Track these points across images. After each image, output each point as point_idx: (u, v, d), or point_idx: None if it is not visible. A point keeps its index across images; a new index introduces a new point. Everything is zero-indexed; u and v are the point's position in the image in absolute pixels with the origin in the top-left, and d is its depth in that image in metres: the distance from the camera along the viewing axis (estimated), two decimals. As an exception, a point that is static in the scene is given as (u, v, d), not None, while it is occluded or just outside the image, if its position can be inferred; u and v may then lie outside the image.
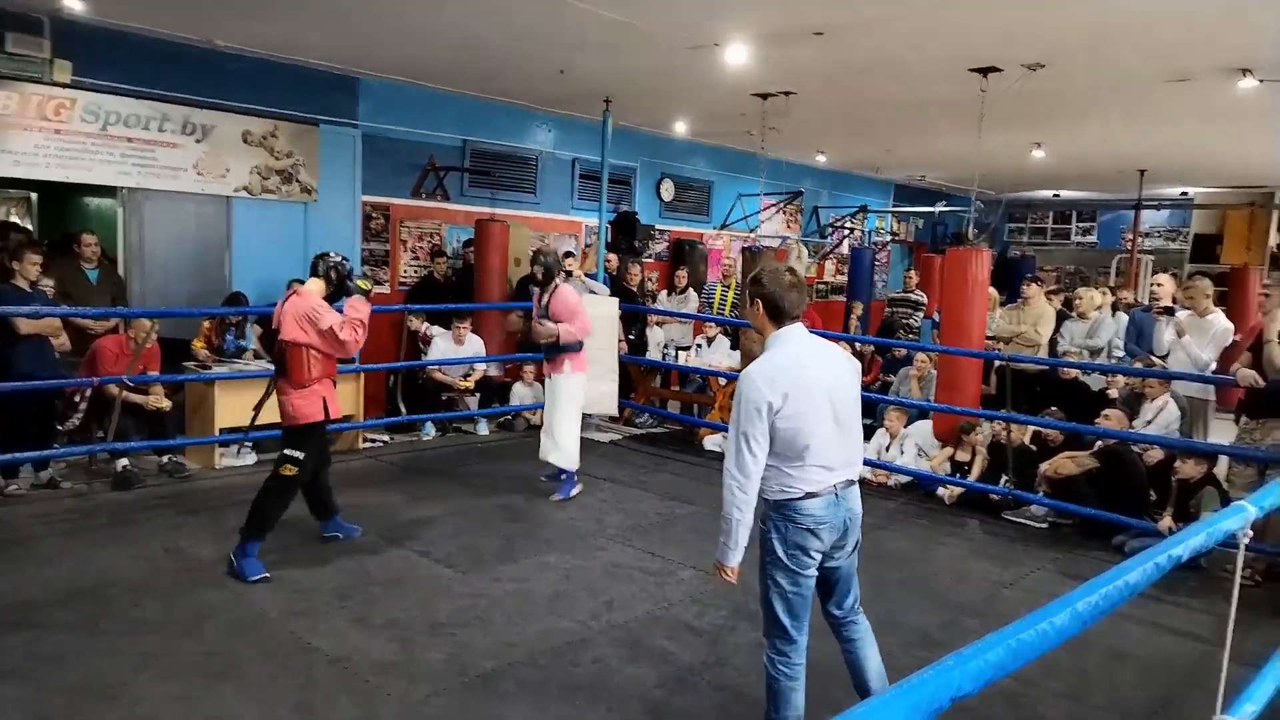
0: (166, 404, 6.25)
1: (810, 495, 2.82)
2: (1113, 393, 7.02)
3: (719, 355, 8.76)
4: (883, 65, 6.85)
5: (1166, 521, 5.43)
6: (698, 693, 3.58)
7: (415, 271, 9.14)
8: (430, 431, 7.97)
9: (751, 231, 11.25)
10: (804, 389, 2.79)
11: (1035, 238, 17.17)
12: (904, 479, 6.89)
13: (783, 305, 2.91)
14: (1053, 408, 6.67)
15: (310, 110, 8.11)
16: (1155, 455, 6.00)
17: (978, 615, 4.45)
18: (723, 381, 8.25)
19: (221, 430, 6.49)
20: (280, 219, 8.06)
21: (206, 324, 7.06)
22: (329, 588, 4.42)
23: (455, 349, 8.06)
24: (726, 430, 8.14)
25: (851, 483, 2.94)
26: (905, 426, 7.24)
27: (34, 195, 9.68)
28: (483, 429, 8.22)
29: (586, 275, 8.39)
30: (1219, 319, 6.48)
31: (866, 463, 6.59)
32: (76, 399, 5.98)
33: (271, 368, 6.63)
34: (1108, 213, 16.33)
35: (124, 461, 5.99)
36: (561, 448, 6.16)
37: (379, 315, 4.88)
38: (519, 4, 5.72)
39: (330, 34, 6.84)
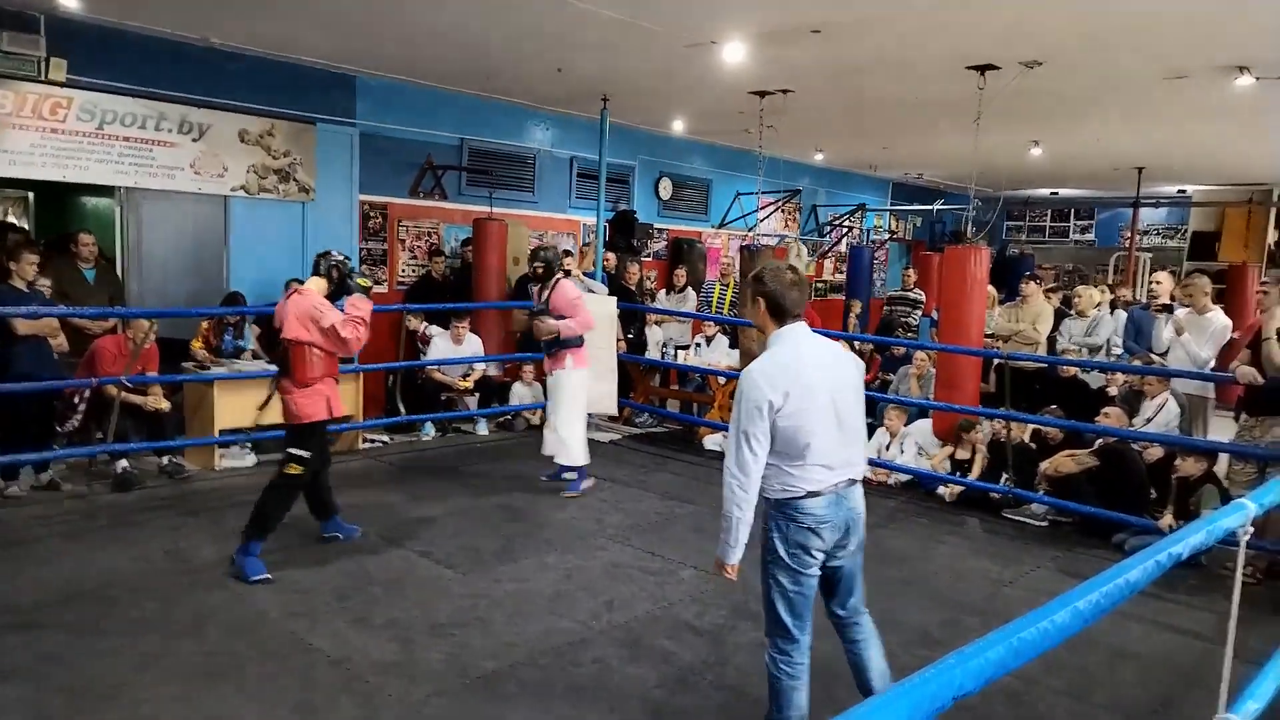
0: (166, 405, 6.24)
1: (812, 494, 2.82)
2: (1112, 390, 7.02)
3: (718, 354, 8.76)
4: (880, 63, 6.85)
5: (1167, 519, 5.43)
6: (699, 692, 3.58)
7: (413, 271, 9.13)
8: (430, 431, 7.96)
9: (750, 230, 11.25)
10: (805, 387, 2.78)
11: (1033, 236, 17.18)
12: (904, 478, 6.89)
13: (784, 303, 2.90)
14: (1052, 406, 6.67)
15: (307, 109, 8.09)
16: (1155, 453, 6.00)
17: (978, 614, 4.45)
18: (722, 380, 8.25)
19: (221, 431, 6.48)
20: (278, 218, 8.05)
21: (205, 324, 7.04)
22: (329, 588, 4.42)
23: (454, 349, 8.06)
24: (727, 429, 8.15)
25: (854, 482, 2.93)
26: (905, 425, 7.24)
27: (31, 195, 9.66)
28: (482, 429, 8.22)
29: (585, 274, 8.39)
30: (1218, 316, 6.48)
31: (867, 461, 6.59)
32: (75, 400, 5.97)
33: (271, 368, 6.67)
34: (1106, 211, 16.35)
35: (124, 463, 5.98)
36: (567, 444, 6.18)
37: (377, 315, 4.90)
38: (517, 2, 5.71)
39: (327, 32, 6.82)
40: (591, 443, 6.62)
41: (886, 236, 15.73)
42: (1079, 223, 16.81)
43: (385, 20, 6.32)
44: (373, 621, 4.05)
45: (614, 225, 10.24)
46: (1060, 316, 8.30)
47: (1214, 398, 6.61)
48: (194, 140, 7.40)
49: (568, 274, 7.10)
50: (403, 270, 9.08)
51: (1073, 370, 7.33)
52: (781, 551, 2.85)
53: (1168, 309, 7.17)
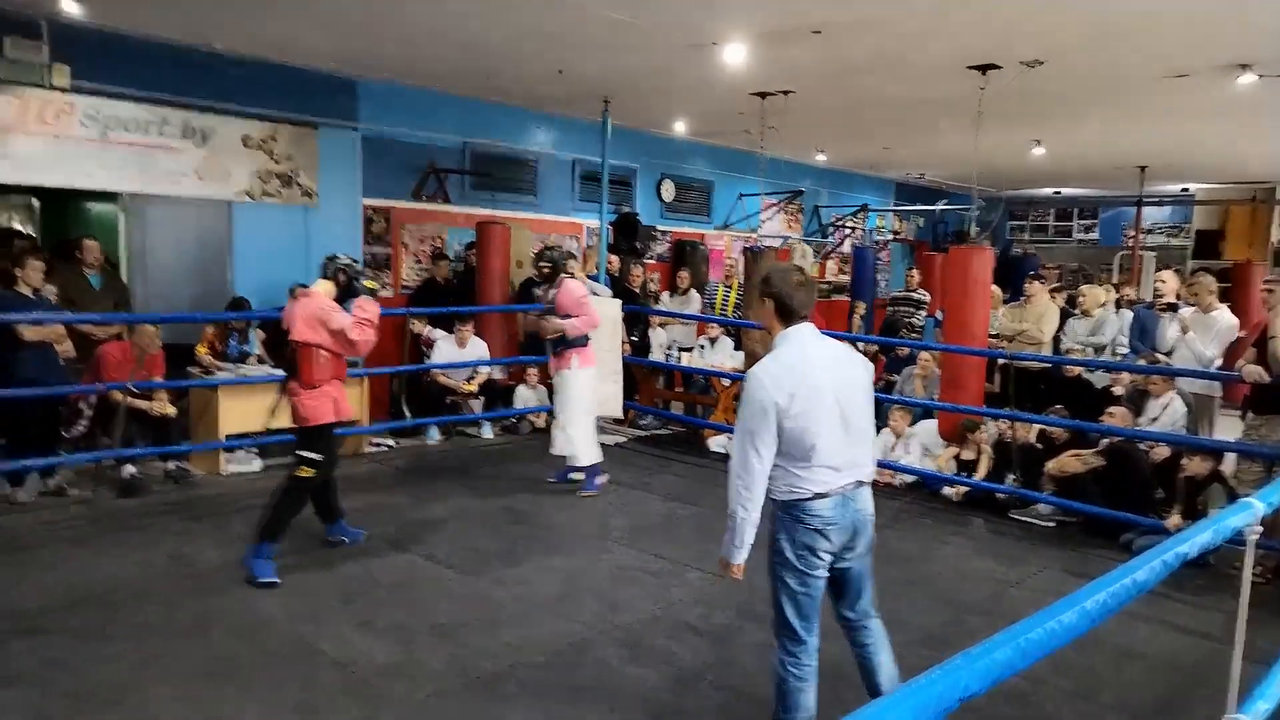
0: (171, 410, 6.25)
1: (819, 496, 2.81)
2: (1117, 390, 7.00)
3: (722, 356, 8.75)
4: (881, 63, 6.85)
5: (1174, 519, 5.41)
6: (702, 694, 3.57)
7: (417, 275, 9.14)
8: (435, 435, 7.96)
9: (753, 231, 11.25)
10: (811, 389, 2.77)
11: (1037, 235, 17.15)
12: (909, 478, 6.88)
13: (791, 304, 2.90)
14: (1057, 406, 6.65)
15: (309, 113, 8.11)
16: (1161, 452, 5.98)
17: (984, 614, 4.44)
18: (726, 382, 8.24)
19: (226, 436, 6.49)
20: (281, 223, 8.06)
21: (209, 329, 7.06)
22: (333, 591, 4.42)
23: (458, 352, 8.06)
24: (731, 431, 8.12)
25: (862, 484, 2.92)
26: (910, 426, 7.23)
27: (36, 201, 9.68)
28: (487, 432, 8.22)
29: (589, 277, 8.38)
30: (1223, 315, 6.46)
31: (871, 462, 6.57)
32: (81, 406, 5.98)
33: (276, 372, 6.69)
34: (1109, 210, 16.31)
35: (130, 468, 5.99)
36: (577, 443, 6.23)
37: (382, 319, 4.92)
38: (517, 4, 5.72)
39: (329, 36, 6.84)
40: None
41: (890, 237, 15.71)
42: (1082, 222, 16.77)
43: (386, 23, 6.33)
44: (377, 624, 4.05)
45: (617, 228, 10.24)
46: (1065, 316, 8.27)
47: (1220, 396, 6.59)
48: (197, 145, 7.42)
49: (570, 277, 7.11)
50: (406, 274, 9.10)
51: (1078, 370, 7.30)
52: (788, 553, 2.84)
53: (1173, 308, 7.15)
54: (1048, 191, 16.04)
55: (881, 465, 6.85)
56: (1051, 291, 8.86)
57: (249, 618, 4.07)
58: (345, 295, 4.76)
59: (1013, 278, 11.00)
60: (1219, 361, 6.33)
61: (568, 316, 6.13)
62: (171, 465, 6.30)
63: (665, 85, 8.08)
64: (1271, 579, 5.08)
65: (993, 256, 7.28)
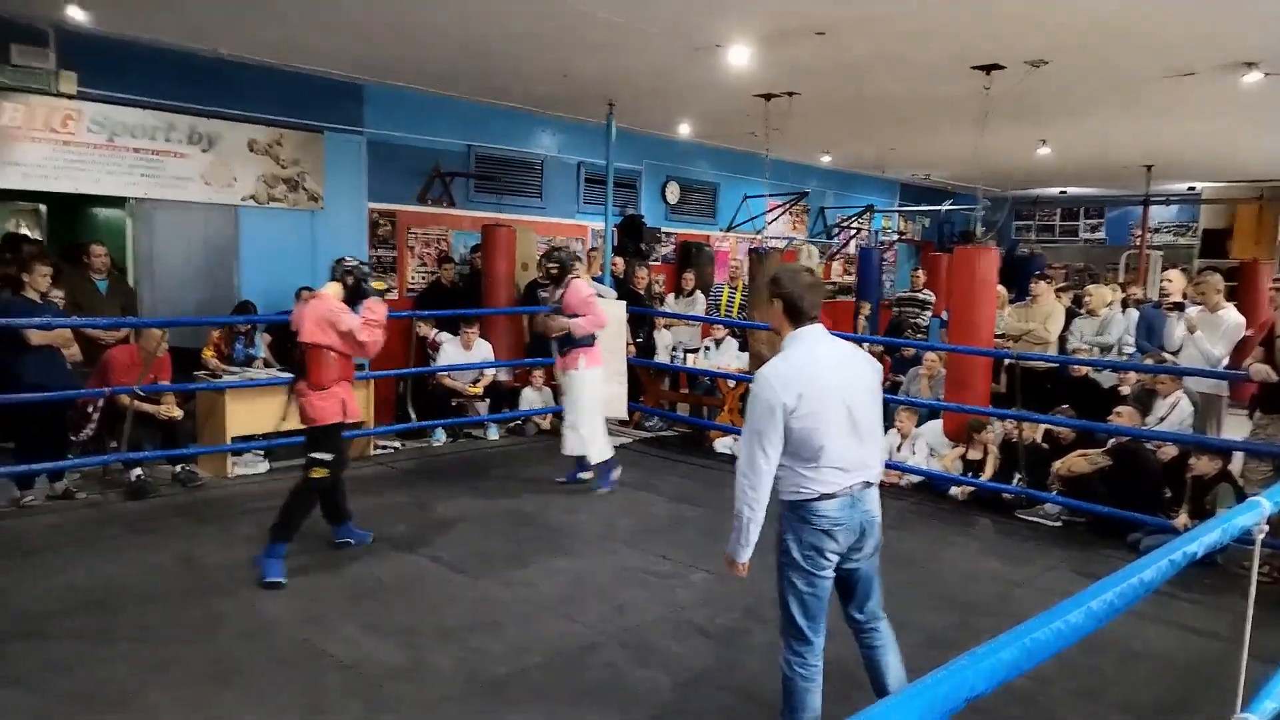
0: (178, 413, 6.28)
1: (826, 496, 2.81)
2: (1124, 390, 6.98)
3: (727, 357, 8.75)
4: (885, 64, 6.84)
5: (1181, 518, 5.39)
6: (708, 696, 3.56)
7: (423, 278, 9.16)
8: (441, 437, 7.97)
9: (758, 233, 11.24)
10: (820, 390, 2.77)
11: (1043, 235, 17.10)
12: (915, 479, 6.87)
13: (801, 305, 2.90)
14: (1064, 405, 6.63)
15: (315, 118, 8.14)
16: (1169, 452, 5.96)
17: (991, 615, 4.42)
18: (731, 384, 8.24)
19: (233, 438, 6.51)
20: (287, 227, 8.09)
21: (216, 333, 7.09)
22: (340, 593, 4.43)
23: (464, 354, 8.08)
24: (736, 433, 8.13)
25: (869, 485, 2.91)
26: (916, 426, 7.22)
27: (43, 207, 9.74)
28: (493, 434, 8.23)
29: (593, 279, 8.40)
30: (1230, 314, 6.42)
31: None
32: (89, 409, 6.00)
33: (283, 375, 6.71)
34: (1115, 209, 16.25)
35: (137, 471, 6.01)
36: (589, 441, 6.29)
37: (388, 322, 4.94)
38: (521, 8, 5.74)
39: (334, 41, 6.86)
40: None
41: (895, 238, 15.69)
42: (1088, 221, 16.72)
43: (391, 28, 6.35)
44: (383, 626, 4.06)
45: (622, 230, 10.25)
46: (1071, 315, 8.25)
47: (1228, 396, 6.56)
48: (203, 151, 7.46)
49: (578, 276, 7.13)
50: (412, 277, 9.12)
51: (1084, 369, 7.29)
52: (795, 553, 2.84)
53: (1179, 307, 7.12)
54: (1054, 191, 15.99)
55: (887, 466, 6.84)
56: (1058, 291, 8.83)
57: (255, 620, 4.09)
58: (354, 297, 4.80)
59: (1018, 278, 10.98)
60: (1226, 360, 6.30)
61: (574, 316, 6.16)
62: (178, 468, 6.32)
63: (670, 87, 8.08)
64: (1278, 578, 5.05)
65: (998, 256, 7.26)
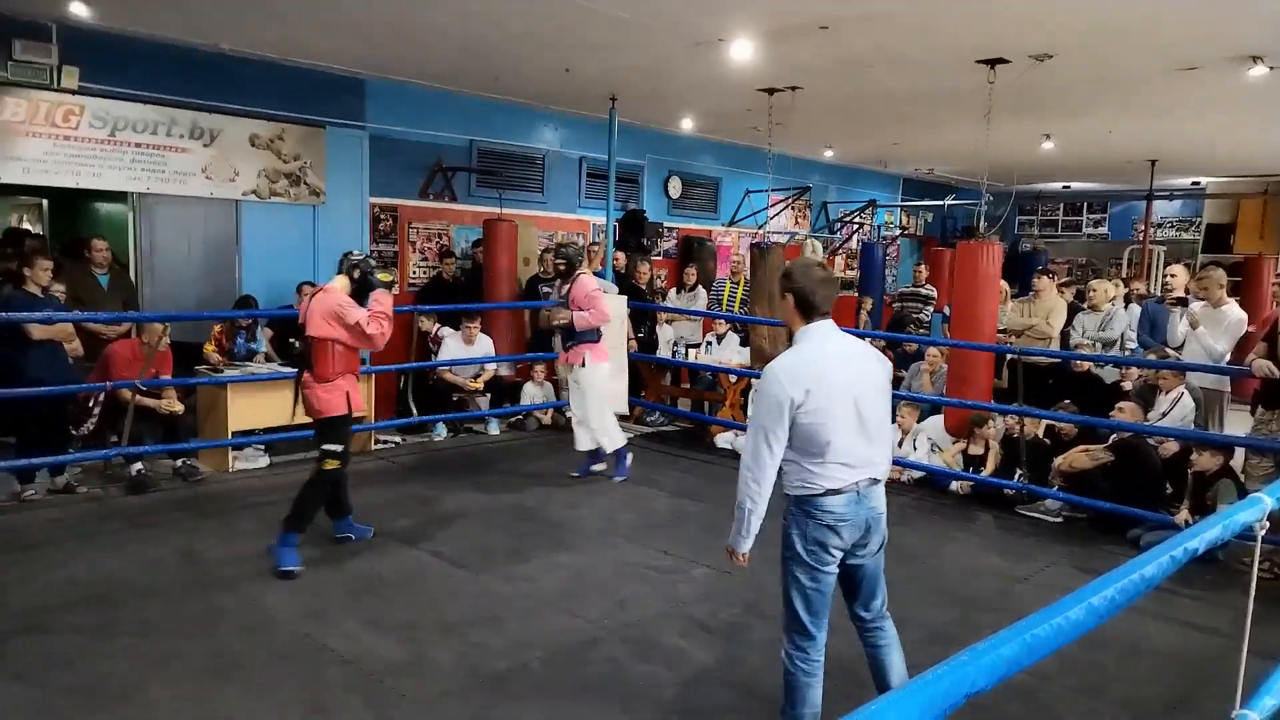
0: (179, 408, 6.29)
1: (831, 492, 2.80)
2: (1127, 385, 6.97)
3: (729, 352, 8.74)
4: (888, 58, 6.82)
5: (1183, 514, 5.39)
6: (710, 691, 3.57)
7: (424, 272, 9.16)
8: (442, 432, 7.98)
9: (760, 228, 11.23)
10: (828, 385, 2.77)
11: (1046, 230, 17.07)
12: (917, 474, 6.87)
13: (813, 300, 2.89)
14: (1066, 401, 6.62)
15: (317, 112, 8.13)
16: (1171, 448, 5.95)
17: (991, 610, 4.42)
18: (733, 378, 8.24)
19: (234, 433, 6.52)
20: (289, 222, 8.09)
21: (217, 327, 7.09)
22: (341, 588, 4.44)
23: (465, 349, 8.08)
24: (738, 428, 8.13)
25: (876, 481, 2.91)
26: (918, 422, 7.21)
27: (45, 201, 9.74)
28: (494, 429, 8.24)
29: (595, 274, 8.39)
30: (1233, 309, 6.42)
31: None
32: (90, 404, 6.01)
33: (284, 369, 6.72)
34: (1119, 204, 16.22)
35: (138, 465, 6.03)
36: (601, 432, 6.42)
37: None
38: (524, 3, 5.72)
39: (336, 36, 6.85)
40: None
41: (898, 232, 15.67)
42: (1092, 216, 16.68)
43: (391, 23, 6.34)
44: (384, 621, 4.06)
45: (624, 224, 10.23)
46: (1074, 311, 8.24)
47: (1230, 391, 6.55)
48: (205, 145, 7.45)
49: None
50: (414, 272, 9.12)
51: (1086, 365, 7.27)
52: (799, 548, 2.84)
53: (1182, 302, 7.11)
54: (1057, 186, 15.95)
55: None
56: (1061, 286, 8.82)
57: (256, 615, 4.09)
58: (361, 290, 4.83)
59: (1021, 272, 10.97)
60: (1229, 356, 6.29)
61: (580, 311, 6.23)
62: (179, 462, 6.33)
63: (672, 82, 8.06)
64: (1279, 574, 5.05)
65: (1001, 251, 7.24)
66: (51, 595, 4.23)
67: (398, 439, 7.71)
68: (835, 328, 2.93)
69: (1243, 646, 2.31)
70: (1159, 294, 8.76)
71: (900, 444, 7.09)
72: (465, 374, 8.13)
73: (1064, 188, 16.14)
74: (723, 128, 10.91)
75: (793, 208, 13.20)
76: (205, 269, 7.99)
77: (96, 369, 6.10)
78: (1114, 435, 6.03)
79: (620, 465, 6.60)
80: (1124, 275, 12.40)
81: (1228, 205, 14.71)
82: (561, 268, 6.52)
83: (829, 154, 12.97)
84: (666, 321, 9.52)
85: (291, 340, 7.00)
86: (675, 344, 9.43)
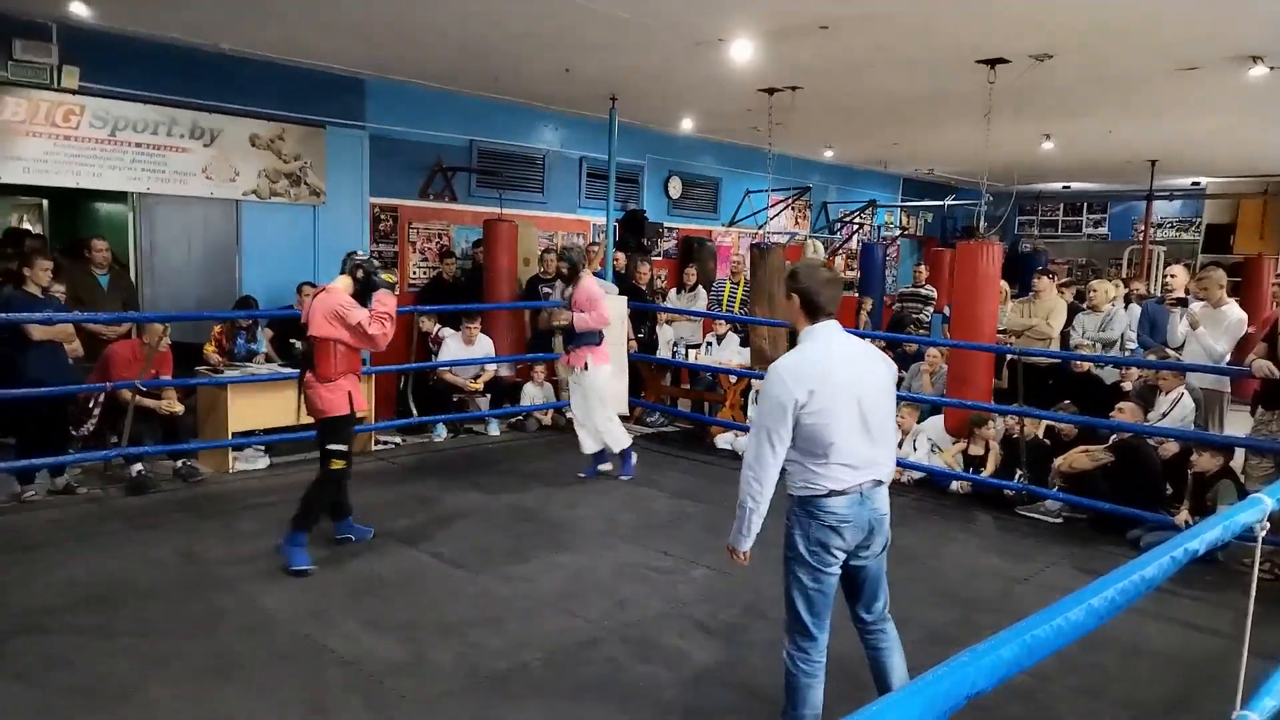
0: (180, 408, 6.28)
1: (834, 493, 2.81)
2: (1127, 386, 6.97)
3: (729, 353, 8.74)
4: (889, 58, 6.82)
5: (1183, 515, 5.39)
6: (710, 692, 3.57)
7: (424, 273, 9.16)
8: (442, 433, 7.98)
9: (760, 228, 11.23)
10: (832, 386, 2.77)
11: (1046, 230, 17.07)
12: (916, 475, 6.86)
13: (818, 300, 2.89)
14: (1066, 401, 6.62)
15: (317, 112, 8.13)
16: (1171, 448, 5.95)
17: (991, 611, 4.42)
18: (733, 379, 8.24)
19: (234, 434, 6.52)
20: (289, 222, 8.09)
21: (217, 328, 7.09)
22: (341, 589, 4.44)
23: (465, 350, 8.08)
24: (738, 428, 8.13)
25: (879, 483, 2.91)
26: (917, 422, 7.21)
27: (45, 201, 9.74)
28: (494, 429, 8.23)
29: (594, 274, 8.40)
30: (1233, 310, 6.41)
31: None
32: (90, 404, 6.01)
33: (283, 370, 6.72)
34: (1119, 204, 16.22)
35: (138, 466, 6.02)
36: (607, 433, 6.48)
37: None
38: (524, 3, 5.72)
39: (336, 36, 6.85)
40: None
41: (898, 233, 15.67)
42: (1092, 216, 16.68)
43: (392, 24, 6.34)
44: (384, 622, 4.06)
45: (624, 224, 10.23)
46: (1074, 311, 8.24)
47: (1230, 392, 6.55)
48: (205, 145, 7.45)
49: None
50: (414, 272, 9.12)
51: (1086, 365, 7.28)
52: (802, 548, 2.85)
53: (1182, 302, 7.11)
54: (1057, 186, 15.95)
55: (890, 462, 6.84)
56: (1061, 286, 8.82)
57: (256, 615, 4.09)
58: (364, 290, 4.83)
59: (1021, 273, 10.97)
60: (1229, 356, 6.29)
61: (581, 313, 6.26)
62: (179, 463, 6.33)
63: (672, 82, 8.06)
64: (1279, 575, 5.05)
65: (1001, 252, 7.25)
66: (51, 596, 4.23)
67: (398, 439, 7.71)
68: (840, 328, 2.94)
69: (1243, 647, 2.31)
70: (1159, 294, 8.77)
71: (900, 444, 7.09)
72: (465, 374, 8.13)
73: (1064, 188, 16.14)
74: (723, 128, 10.91)
75: (793, 208, 13.20)
76: (205, 269, 7.99)
77: (96, 369, 6.10)
78: (1114, 436, 6.03)
79: (626, 464, 6.65)
80: (1124, 275, 12.40)
81: (1228, 205, 14.71)
82: (564, 270, 6.55)
83: (829, 154, 12.96)
84: (666, 322, 9.52)
85: (292, 341, 7.01)
86: (675, 344, 9.43)
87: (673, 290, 10.10)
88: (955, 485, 6.63)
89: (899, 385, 8.01)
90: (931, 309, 10.42)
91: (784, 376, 2.78)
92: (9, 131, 6.46)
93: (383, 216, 8.81)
